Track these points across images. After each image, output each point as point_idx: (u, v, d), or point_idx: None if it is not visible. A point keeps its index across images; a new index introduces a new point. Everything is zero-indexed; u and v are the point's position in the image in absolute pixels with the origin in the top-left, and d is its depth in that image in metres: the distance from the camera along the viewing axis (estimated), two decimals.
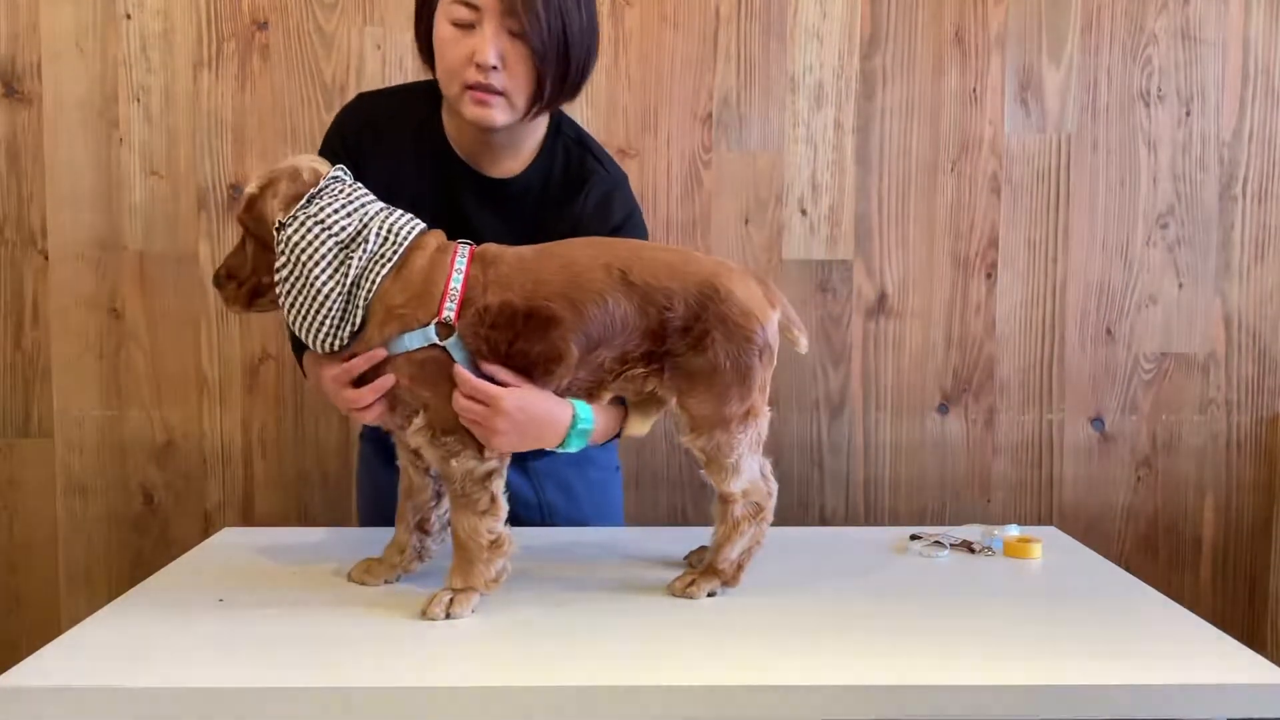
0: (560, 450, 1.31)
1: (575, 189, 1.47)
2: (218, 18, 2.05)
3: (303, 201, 1.25)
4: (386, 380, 1.26)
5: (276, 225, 1.24)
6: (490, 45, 1.30)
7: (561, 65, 1.34)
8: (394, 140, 1.48)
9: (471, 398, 1.24)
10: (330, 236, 1.24)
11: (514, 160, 1.48)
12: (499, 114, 1.35)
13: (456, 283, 1.25)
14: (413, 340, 1.24)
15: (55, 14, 2.04)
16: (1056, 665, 1.12)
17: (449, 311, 1.24)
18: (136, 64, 2.05)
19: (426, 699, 1.05)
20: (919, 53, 2.09)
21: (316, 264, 1.23)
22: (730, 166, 2.10)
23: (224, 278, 1.33)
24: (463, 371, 1.24)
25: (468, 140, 1.46)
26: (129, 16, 2.04)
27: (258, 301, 1.33)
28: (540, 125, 1.48)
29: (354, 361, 1.26)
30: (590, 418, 1.30)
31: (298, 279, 1.24)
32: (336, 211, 1.25)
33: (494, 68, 1.31)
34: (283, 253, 1.24)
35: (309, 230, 1.23)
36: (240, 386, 2.10)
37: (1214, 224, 2.12)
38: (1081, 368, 2.15)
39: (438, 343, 1.24)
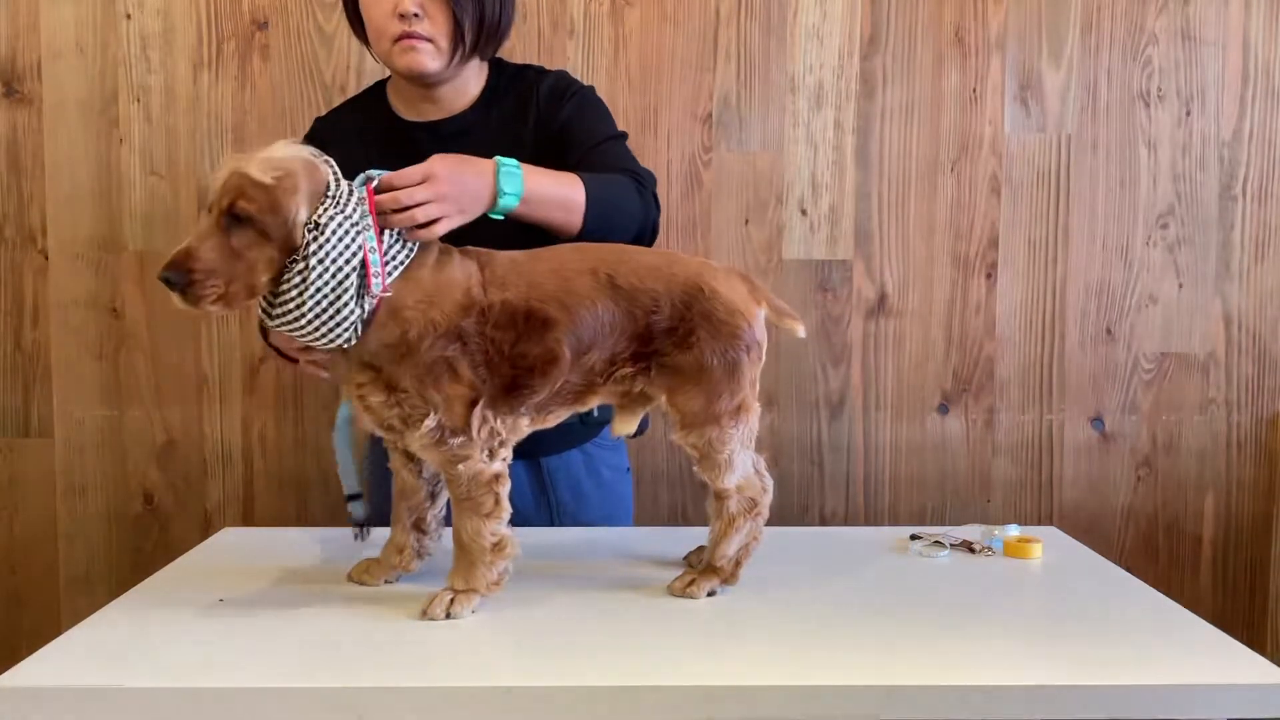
0: (499, 202, 1.31)
1: (526, 96, 1.57)
2: (218, 18, 2.05)
3: (330, 200, 1.19)
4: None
5: (312, 224, 1.17)
6: None
7: (477, 9, 1.47)
8: (343, 137, 1.57)
9: (401, 189, 1.25)
10: (363, 237, 1.20)
11: (460, 106, 1.58)
12: (428, 59, 1.47)
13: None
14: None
15: (55, 14, 2.04)
16: (1056, 665, 1.12)
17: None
18: (136, 64, 2.05)
19: (426, 699, 1.05)
20: (919, 53, 2.09)
21: (349, 264, 1.18)
22: (730, 166, 2.10)
23: (203, 276, 1.16)
24: (390, 175, 1.26)
25: (414, 102, 1.56)
26: (129, 16, 2.04)
27: (248, 299, 1.20)
28: (479, 74, 1.58)
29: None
30: (510, 160, 1.33)
31: (325, 282, 1.18)
32: (365, 215, 1.21)
33: (415, 15, 1.44)
34: (313, 254, 1.17)
35: (346, 232, 1.18)
36: (240, 386, 2.10)
37: (1214, 224, 2.12)
38: (1081, 368, 2.15)
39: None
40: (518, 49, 2.04)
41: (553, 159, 1.51)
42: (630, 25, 2.07)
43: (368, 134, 1.58)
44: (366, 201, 1.23)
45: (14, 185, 2.07)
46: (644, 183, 1.48)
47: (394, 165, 1.49)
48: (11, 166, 2.07)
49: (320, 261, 1.17)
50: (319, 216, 1.18)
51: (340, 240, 1.18)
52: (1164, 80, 2.10)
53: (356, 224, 1.20)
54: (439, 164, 1.27)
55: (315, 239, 1.17)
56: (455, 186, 1.27)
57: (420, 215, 1.24)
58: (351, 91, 2.04)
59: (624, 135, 1.58)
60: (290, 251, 1.18)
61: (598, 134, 1.54)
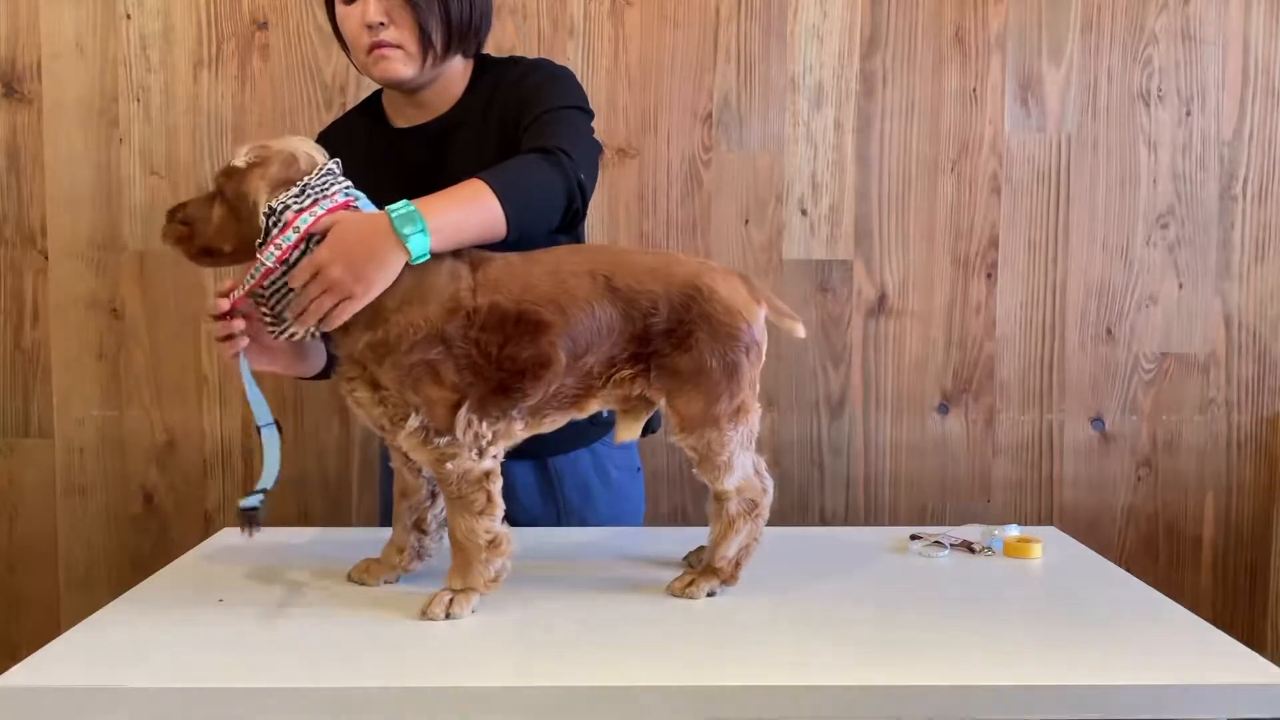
0: (409, 246, 1.21)
1: (497, 85, 1.54)
2: (218, 18, 2.05)
3: (295, 190, 1.22)
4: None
5: (266, 210, 1.22)
6: (373, 6, 1.45)
7: (441, 11, 1.47)
8: (342, 150, 1.55)
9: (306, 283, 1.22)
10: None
11: (445, 108, 1.57)
12: (400, 65, 1.47)
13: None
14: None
15: (55, 14, 2.04)
16: (1056, 665, 1.11)
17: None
18: (136, 64, 2.05)
19: (427, 699, 1.05)
20: (919, 53, 2.09)
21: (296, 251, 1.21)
22: (730, 166, 2.10)
23: (178, 219, 1.31)
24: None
25: (403, 108, 1.57)
26: (129, 16, 2.05)
27: (204, 259, 1.31)
28: (464, 74, 1.57)
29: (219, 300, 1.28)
30: (405, 203, 1.24)
31: (275, 268, 1.22)
32: (323, 202, 1.23)
33: (381, 24, 1.45)
34: (265, 239, 1.22)
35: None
36: (240, 387, 2.10)
37: (1214, 224, 2.12)
38: (1081, 368, 2.15)
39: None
40: (518, 49, 2.04)
41: (516, 143, 1.47)
42: (630, 25, 2.07)
43: (364, 145, 1.59)
44: (334, 203, 1.25)
45: (14, 185, 2.07)
46: (550, 151, 1.37)
47: (389, 175, 1.51)
48: (11, 166, 2.07)
49: (269, 252, 1.22)
50: (274, 203, 1.22)
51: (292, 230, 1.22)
52: (1164, 80, 2.10)
53: (312, 212, 1.22)
54: (323, 251, 1.20)
55: (267, 223, 1.22)
56: (346, 266, 1.20)
57: (317, 309, 1.21)
58: (351, 91, 2.04)
59: (577, 109, 1.48)
60: (256, 234, 1.24)
61: (543, 105, 1.46)
